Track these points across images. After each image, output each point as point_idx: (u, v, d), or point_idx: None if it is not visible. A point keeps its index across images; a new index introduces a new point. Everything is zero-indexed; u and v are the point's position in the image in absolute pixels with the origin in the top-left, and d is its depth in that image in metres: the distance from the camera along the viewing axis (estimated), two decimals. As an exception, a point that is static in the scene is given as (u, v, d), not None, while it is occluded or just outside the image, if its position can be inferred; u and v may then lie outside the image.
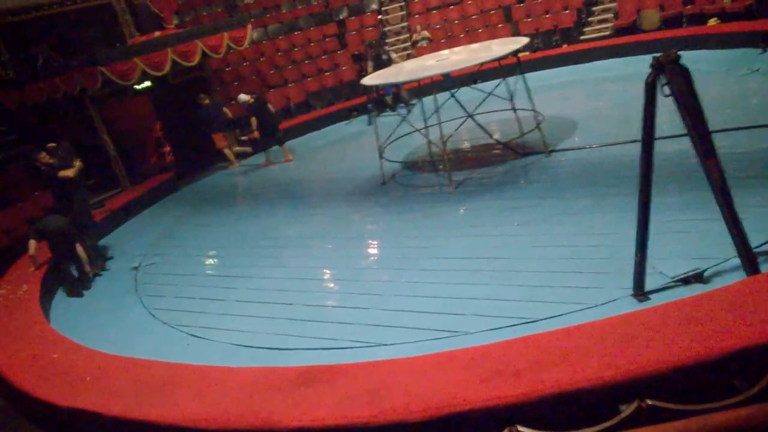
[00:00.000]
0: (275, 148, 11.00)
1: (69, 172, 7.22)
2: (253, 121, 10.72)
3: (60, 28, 12.73)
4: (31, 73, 10.92)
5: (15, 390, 4.36)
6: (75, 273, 6.98)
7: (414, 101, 11.30)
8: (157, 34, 10.93)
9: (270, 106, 11.00)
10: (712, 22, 10.87)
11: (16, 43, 12.20)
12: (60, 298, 6.91)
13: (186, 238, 8.14)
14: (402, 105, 12.07)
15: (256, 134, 10.85)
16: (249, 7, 16.57)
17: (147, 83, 10.88)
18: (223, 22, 11.52)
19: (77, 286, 6.89)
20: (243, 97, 10.84)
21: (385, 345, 4.24)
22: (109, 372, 4.22)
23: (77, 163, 7.39)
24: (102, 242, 8.46)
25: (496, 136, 8.41)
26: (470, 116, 7.67)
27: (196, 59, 10.38)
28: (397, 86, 11.58)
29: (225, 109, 10.96)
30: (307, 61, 14.60)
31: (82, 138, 10.62)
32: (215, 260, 7.25)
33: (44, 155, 7.42)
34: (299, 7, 16.56)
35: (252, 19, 14.23)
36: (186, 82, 11.56)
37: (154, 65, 9.68)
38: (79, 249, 6.84)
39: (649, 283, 3.95)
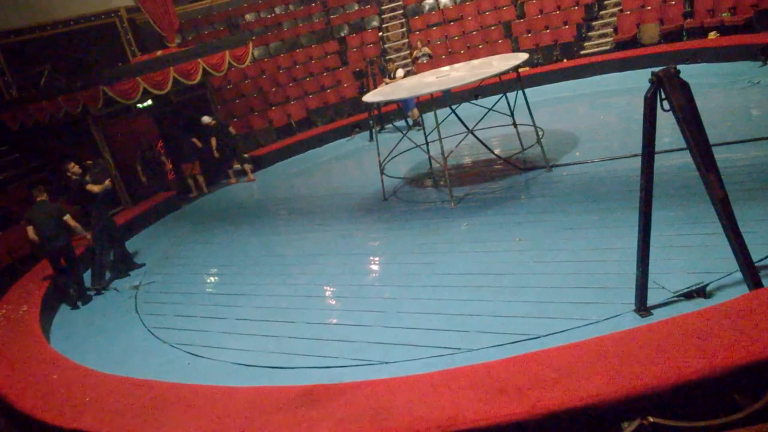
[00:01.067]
0: (238, 167, 11.50)
1: (95, 188, 7.39)
2: (213, 141, 11.07)
3: (63, 48, 12.90)
4: (34, 93, 11.03)
5: (15, 411, 4.33)
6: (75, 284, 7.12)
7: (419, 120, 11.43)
8: (159, 53, 11.03)
9: (231, 129, 11.43)
10: (712, 35, 10.96)
11: (20, 62, 12.35)
12: (60, 318, 6.91)
13: (187, 256, 8.13)
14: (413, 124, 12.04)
15: (216, 154, 11.22)
16: (250, 25, 16.77)
17: (149, 102, 10.95)
18: (225, 41, 11.66)
19: (73, 298, 7.03)
20: (206, 119, 11.14)
21: (388, 363, 4.21)
22: (109, 392, 4.19)
23: (107, 182, 7.58)
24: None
25: (497, 151, 8.44)
26: (471, 132, 7.70)
27: (198, 77, 10.48)
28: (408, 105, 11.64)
29: (194, 140, 11.11)
30: (308, 78, 14.72)
31: (83, 156, 10.70)
32: (217, 278, 7.23)
33: (73, 165, 7.65)
34: (300, 25, 16.76)
35: (253, 37, 14.34)
36: (188, 100, 11.67)
37: (156, 84, 9.76)
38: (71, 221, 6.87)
39: (652, 298, 3.93)
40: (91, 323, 6.53)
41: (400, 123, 11.96)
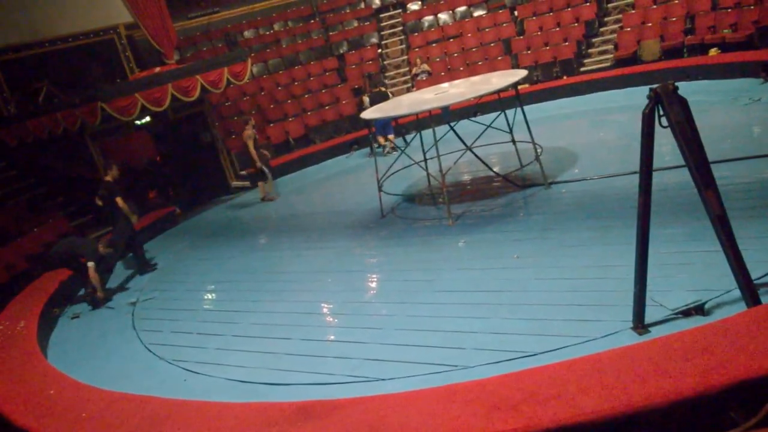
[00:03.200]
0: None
1: (122, 203, 7.85)
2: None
3: (61, 64, 12.95)
4: (32, 109, 11.08)
5: (13, 426, 4.32)
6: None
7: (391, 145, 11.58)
8: (157, 69, 11.11)
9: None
10: (713, 52, 10.97)
11: (18, 79, 12.42)
12: (57, 334, 6.88)
13: (185, 272, 8.10)
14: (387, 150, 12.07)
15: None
16: (249, 41, 16.87)
17: (147, 118, 11.00)
18: (223, 57, 11.70)
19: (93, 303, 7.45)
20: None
21: (385, 380, 4.18)
22: (105, 408, 4.18)
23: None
24: None
25: (496, 168, 8.46)
26: (469, 149, 7.73)
27: (196, 94, 10.52)
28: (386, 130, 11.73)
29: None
30: (307, 95, 14.80)
31: (81, 172, 10.74)
32: (214, 295, 7.20)
33: (115, 169, 8.08)
34: (299, 42, 16.86)
35: (252, 54, 14.47)
36: (186, 117, 11.73)
37: (154, 101, 9.81)
38: (91, 273, 7.17)
39: (650, 316, 3.90)
40: (88, 339, 6.50)
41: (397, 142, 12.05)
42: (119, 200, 7.80)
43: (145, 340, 6.06)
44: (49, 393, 4.62)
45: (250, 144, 10.42)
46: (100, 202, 7.98)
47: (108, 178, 8.00)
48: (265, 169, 10.69)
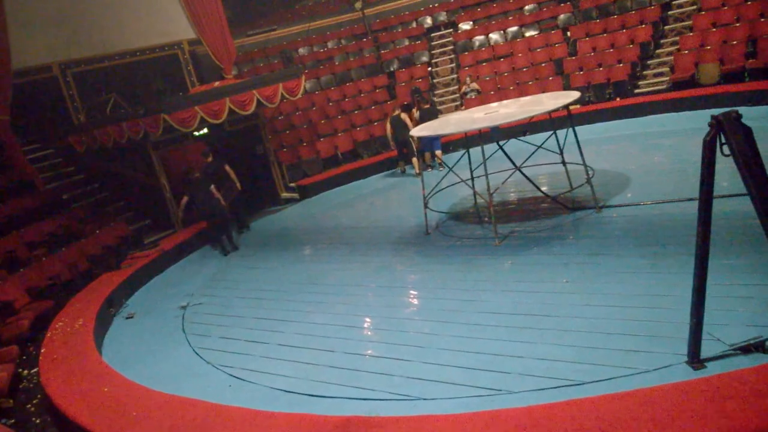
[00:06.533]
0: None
1: (229, 168, 10.19)
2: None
3: (128, 77, 13.66)
4: (100, 118, 11.67)
5: (68, 421, 4.53)
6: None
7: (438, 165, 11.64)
8: (216, 83, 11.53)
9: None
10: (777, 76, 10.56)
11: (89, 89, 13.15)
12: (112, 333, 7.18)
13: (234, 280, 8.31)
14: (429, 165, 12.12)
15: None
16: (303, 58, 17.34)
17: (204, 130, 11.41)
18: (279, 74, 12.05)
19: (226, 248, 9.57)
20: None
21: (425, 399, 4.16)
22: (155, 408, 4.35)
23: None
24: (153, 281, 8.97)
25: (545, 189, 8.33)
26: (518, 168, 7.64)
27: (252, 108, 10.86)
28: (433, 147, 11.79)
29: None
30: (356, 111, 15.01)
31: (142, 180, 11.22)
32: (260, 303, 7.33)
33: (210, 156, 10.21)
34: (351, 59, 17.20)
35: (306, 71, 14.83)
36: (241, 129, 12.10)
37: (212, 113, 10.17)
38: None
39: (706, 350, 3.74)
40: (140, 339, 6.75)
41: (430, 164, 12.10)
42: (227, 167, 10.14)
43: (194, 343, 6.24)
44: (103, 390, 4.82)
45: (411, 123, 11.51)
46: (185, 198, 9.67)
47: (209, 159, 10.16)
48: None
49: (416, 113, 12.02)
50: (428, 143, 11.66)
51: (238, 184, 10.16)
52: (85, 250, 9.08)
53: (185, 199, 9.60)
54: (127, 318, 7.59)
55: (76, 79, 12.89)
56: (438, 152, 11.77)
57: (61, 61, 12.64)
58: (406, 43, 17.55)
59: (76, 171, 12.30)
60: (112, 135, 10.52)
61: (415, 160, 11.78)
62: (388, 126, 12.10)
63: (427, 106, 12.08)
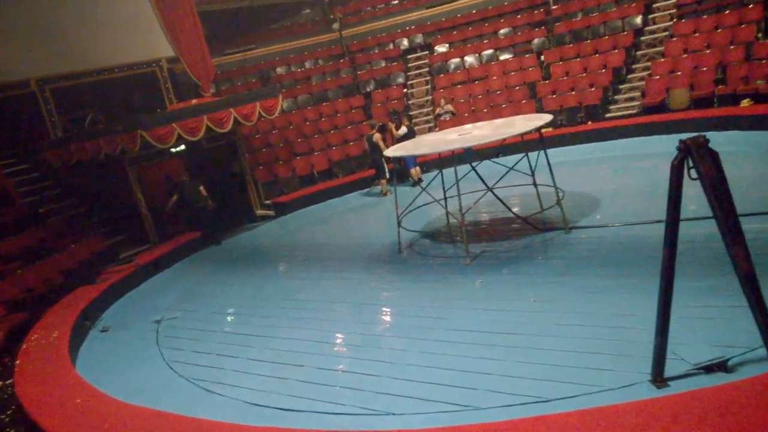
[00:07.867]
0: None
1: (173, 199, 10.70)
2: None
3: (106, 93, 13.58)
4: (77, 134, 11.56)
5: (40, 430, 4.51)
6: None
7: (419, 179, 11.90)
8: (194, 101, 11.52)
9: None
10: (746, 103, 10.88)
11: (66, 105, 13.02)
12: (87, 345, 7.13)
13: (209, 295, 8.27)
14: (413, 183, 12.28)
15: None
16: (281, 77, 17.45)
17: (182, 147, 11.37)
18: (256, 92, 12.12)
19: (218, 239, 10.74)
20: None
21: (394, 414, 4.18)
22: (127, 420, 4.35)
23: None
24: (128, 295, 8.93)
25: (516, 210, 8.48)
26: (490, 189, 7.77)
27: (229, 126, 10.89)
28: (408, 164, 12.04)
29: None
30: (332, 131, 15.12)
31: (117, 195, 11.11)
32: (234, 318, 7.31)
33: (185, 177, 10.95)
34: (329, 79, 17.36)
35: (283, 90, 14.90)
36: (218, 146, 12.08)
37: (190, 130, 10.17)
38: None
39: (670, 369, 3.81)
40: (115, 352, 6.71)
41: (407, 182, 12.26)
42: (202, 188, 10.74)
43: (167, 357, 6.22)
44: (76, 402, 4.81)
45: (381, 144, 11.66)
46: (175, 197, 10.62)
47: (184, 178, 10.84)
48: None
49: (399, 132, 12.24)
50: (412, 161, 11.91)
51: (210, 203, 10.80)
52: (60, 264, 8.96)
53: (175, 197, 10.50)
54: (102, 331, 7.52)
55: (54, 94, 12.76)
56: (416, 169, 11.95)
57: (39, 77, 12.52)
58: (383, 64, 17.80)
59: (53, 185, 12.11)
60: (89, 151, 10.43)
61: (383, 181, 11.94)
62: (366, 144, 12.28)
63: (408, 123, 12.38)
